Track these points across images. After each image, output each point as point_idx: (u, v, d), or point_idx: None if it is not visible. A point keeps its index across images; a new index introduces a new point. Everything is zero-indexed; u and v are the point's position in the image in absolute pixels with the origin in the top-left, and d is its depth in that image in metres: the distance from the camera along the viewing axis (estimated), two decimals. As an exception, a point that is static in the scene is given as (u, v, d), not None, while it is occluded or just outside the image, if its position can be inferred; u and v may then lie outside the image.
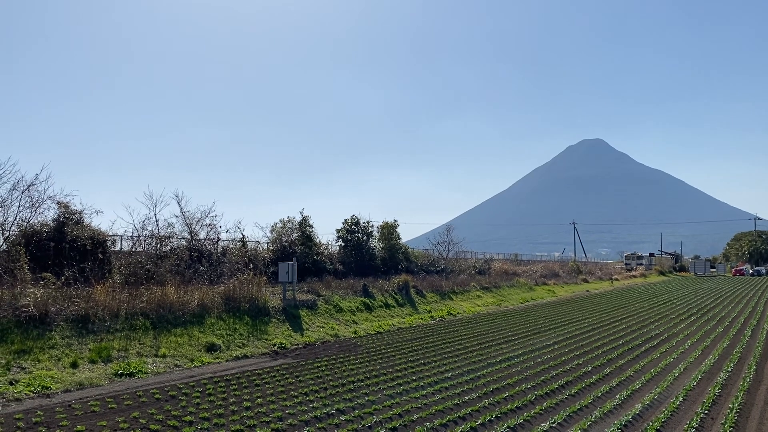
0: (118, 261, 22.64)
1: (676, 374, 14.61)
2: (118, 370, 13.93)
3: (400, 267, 38.13)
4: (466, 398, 12.04)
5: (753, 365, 15.81)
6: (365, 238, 37.37)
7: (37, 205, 21.54)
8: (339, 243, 37.08)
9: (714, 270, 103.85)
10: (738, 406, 11.58)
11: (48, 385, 12.35)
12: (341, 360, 16.26)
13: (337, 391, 12.50)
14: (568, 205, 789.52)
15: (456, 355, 17.24)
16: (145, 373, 14.18)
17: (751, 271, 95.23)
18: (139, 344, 16.03)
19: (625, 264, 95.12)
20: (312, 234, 33.15)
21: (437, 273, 41.03)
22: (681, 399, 12.07)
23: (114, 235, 24.07)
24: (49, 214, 22.18)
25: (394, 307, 28.12)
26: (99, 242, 22.20)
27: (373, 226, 38.08)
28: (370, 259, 37.04)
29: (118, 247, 24.37)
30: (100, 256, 21.57)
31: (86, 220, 23.00)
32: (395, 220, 39.82)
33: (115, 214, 36.83)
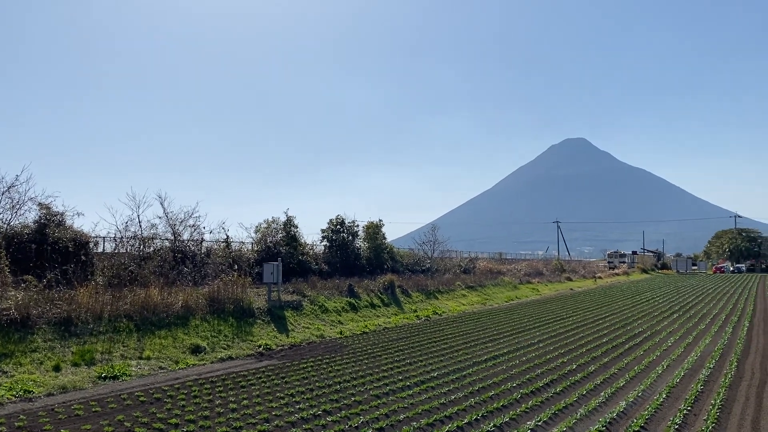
0: (100, 263, 22.44)
1: (660, 371, 14.76)
2: (102, 373, 13.79)
3: (385, 267, 38.17)
4: (453, 397, 12.07)
5: (734, 362, 16.02)
6: (350, 238, 37.39)
7: (17, 206, 21.32)
8: (324, 243, 37.07)
9: (695, 267, 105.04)
10: (720, 402, 11.73)
11: (30, 389, 12.20)
12: (327, 361, 16.23)
13: (324, 392, 12.48)
14: (552, 204, 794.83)
15: (442, 355, 17.28)
16: (129, 375, 14.05)
17: (731, 269, 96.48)
18: (123, 346, 15.89)
19: (608, 262, 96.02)
20: (297, 234, 33.11)
21: (423, 272, 41.13)
22: (664, 396, 12.19)
23: (96, 237, 23.88)
24: (30, 216, 21.96)
25: (379, 306, 28.12)
26: (81, 244, 21.98)
27: (358, 225, 38.16)
28: (355, 259, 37.05)
29: (100, 249, 24.17)
30: (83, 257, 21.36)
31: (68, 221, 22.79)
32: (380, 220, 39.96)
33: (98, 215, 36.61)
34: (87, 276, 20.25)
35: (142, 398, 11.83)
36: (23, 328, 15.01)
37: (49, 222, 21.81)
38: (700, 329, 23.22)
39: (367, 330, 22.90)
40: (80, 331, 15.88)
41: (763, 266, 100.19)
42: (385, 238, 40.46)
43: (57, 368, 13.75)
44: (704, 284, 57.08)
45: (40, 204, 22.07)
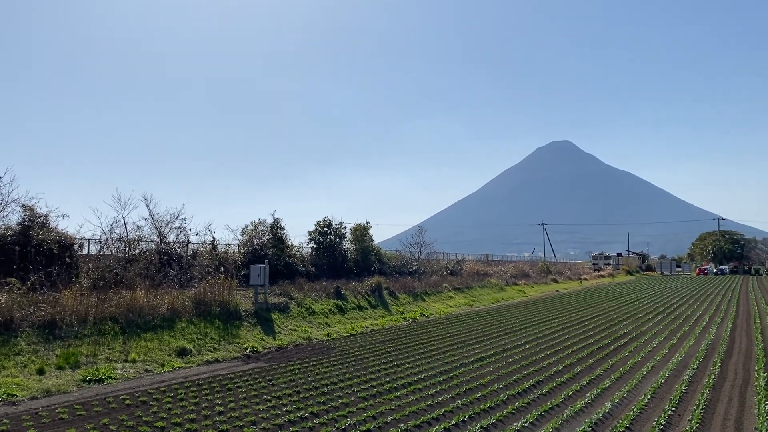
0: (85, 265, 22.23)
1: (645, 372, 14.89)
2: (87, 376, 13.68)
3: (372, 269, 38.15)
4: (440, 399, 12.11)
5: (718, 362, 16.20)
6: (338, 240, 37.32)
7: (0, 208, 21.06)
8: (311, 245, 36.97)
9: (680, 269, 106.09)
10: (704, 402, 11.85)
11: (14, 393, 12.07)
12: (314, 363, 16.21)
13: (311, 395, 12.47)
14: (538, 206, 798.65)
15: (429, 356, 17.31)
16: (114, 378, 13.95)
17: (714, 271, 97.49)
18: (108, 349, 15.77)
19: (593, 264, 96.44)
20: (284, 236, 32.97)
21: (410, 274, 41.15)
22: (649, 396, 12.31)
23: (81, 239, 23.64)
24: (13, 218, 21.69)
25: (367, 309, 28.11)
26: (66, 246, 21.76)
27: (345, 227, 38.07)
28: (342, 261, 36.99)
29: (85, 251, 23.93)
30: (67, 260, 21.14)
31: (53, 223, 22.50)
32: (368, 222, 39.87)
33: (83, 217, 36.24)
34: (71, 278, 20.06)
35: (127, 401, 11.75)
36: (6, 331, 14.86)
37: (33, 224, 21.57)
38: (684, 330, 23.44)
39: (355, 332, 22.89)
40: (65, 333, 15.74)
41: (746, 268, 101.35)
42: (372, 240, 40.43)
43: (41, 371, 13.62)
44: (688, 286, 57.64)
45: (23, 206, 21.83)
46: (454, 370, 15.17)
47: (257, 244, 31.64)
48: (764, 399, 12.03)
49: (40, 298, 16.84)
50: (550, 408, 11.47)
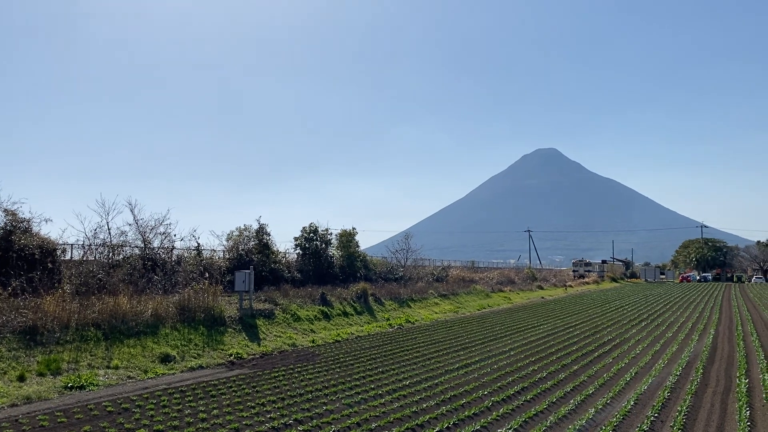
0: (68, 270, 22.01)
1: (628, 379, 14.99)
2: (68, 383, 13.53)
3: (358, 275, 38.14)
4: (425, 405, 12.10)
5: (700, 369, 16.34)
6: (324, 246, 37.28)
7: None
8: (297, 251, 36.91)
9: (663, 276, 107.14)
10: (686, 409, 11.94)
11: (-7, 400, 11.91)
12: (299, 369, 16.15)
13: (295, 401, 12.42)
14: (524, 213, 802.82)
15: (414, 363, 17.31)
16: (96, 385, 13.81)
17: (698, 278, 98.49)
18: (91, 356, 15.61)
19: (574, 271, 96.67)
20: (269, 242, 32.91)
21: (396, 281, 41.18)
22: (632, 403, 12.38)
23: (64, 244, 23.44)
24: (-5, 223, 21.46)
25: (352, 315, 28.07)
26: (48, 251, 21.55)
27: (331, 233, 38.06)
28: (328, 267, 36.94)
29: (68, 256, 23.71)
30: (50, 265, 20.93)
31: (35, 228, 22.31)
32: (354, 228, 39.91)
33: (66, 222, 35.94)
34: (54, 284, 19.85)
35: (109, 408, 11.63)
36: (-14, 337, 14.65)
37: (15, 229, 21.34)
38: (667, 337, 23.63)
39: (340, 338, 22.84)
40: (46, 340, 15.57)
41: (729, 275, 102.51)
42: (358, 246, 40.47)
43: (21, 378, 13.44)
44: (671, 293, 58.15)
45: (5, 210, 21.62)
46: (440, 377, 15.18)
47: (242, 249, 31.56)
48: (745, 405, 12.16)
49: (22, 303, 16.66)
50: (534, 414, 11.51)
